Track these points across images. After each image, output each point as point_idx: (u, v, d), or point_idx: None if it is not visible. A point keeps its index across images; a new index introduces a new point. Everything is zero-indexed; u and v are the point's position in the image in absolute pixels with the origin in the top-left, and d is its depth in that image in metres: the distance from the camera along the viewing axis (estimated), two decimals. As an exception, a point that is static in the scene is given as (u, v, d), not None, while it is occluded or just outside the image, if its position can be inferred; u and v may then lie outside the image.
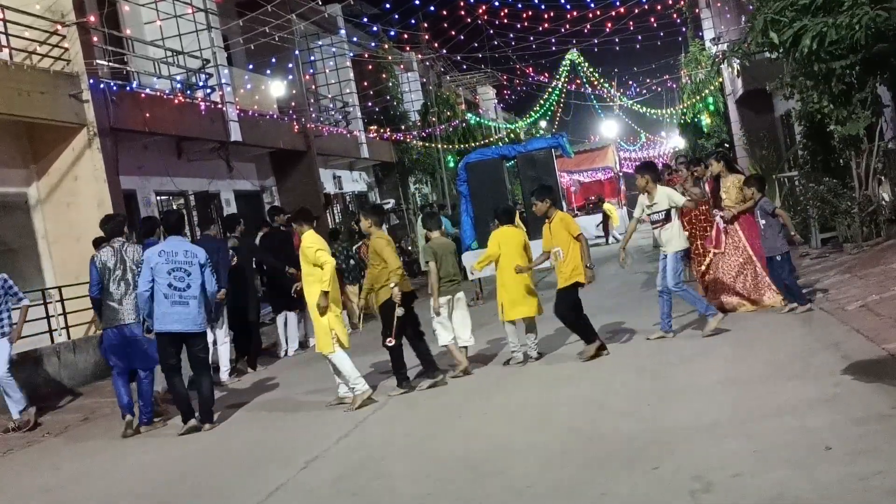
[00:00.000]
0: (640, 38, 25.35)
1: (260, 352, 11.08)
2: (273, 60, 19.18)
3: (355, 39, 25.38)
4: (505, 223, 8.46)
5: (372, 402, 7.40)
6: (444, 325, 8.07)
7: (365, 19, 23.36)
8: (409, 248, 16.56)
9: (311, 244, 7.55)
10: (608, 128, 45.94)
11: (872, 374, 5.54)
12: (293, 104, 20.46)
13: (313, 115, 21.39)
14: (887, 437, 4.37)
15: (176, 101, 14.38)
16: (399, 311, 7.61)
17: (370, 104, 25.48)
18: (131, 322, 7.70)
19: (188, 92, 15.28)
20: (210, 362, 8.13)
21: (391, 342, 7.66)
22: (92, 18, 12.47)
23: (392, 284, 7.62)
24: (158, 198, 15.31)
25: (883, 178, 12.19)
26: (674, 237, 8.17)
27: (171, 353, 7.43)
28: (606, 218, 28.20)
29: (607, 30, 22.87)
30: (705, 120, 24.62)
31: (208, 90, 15.67)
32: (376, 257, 7.82)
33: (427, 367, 7.91)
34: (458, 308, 8.19)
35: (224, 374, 9.90)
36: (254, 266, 11.30)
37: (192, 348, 7.52)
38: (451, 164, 27.95)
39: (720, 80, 22.49)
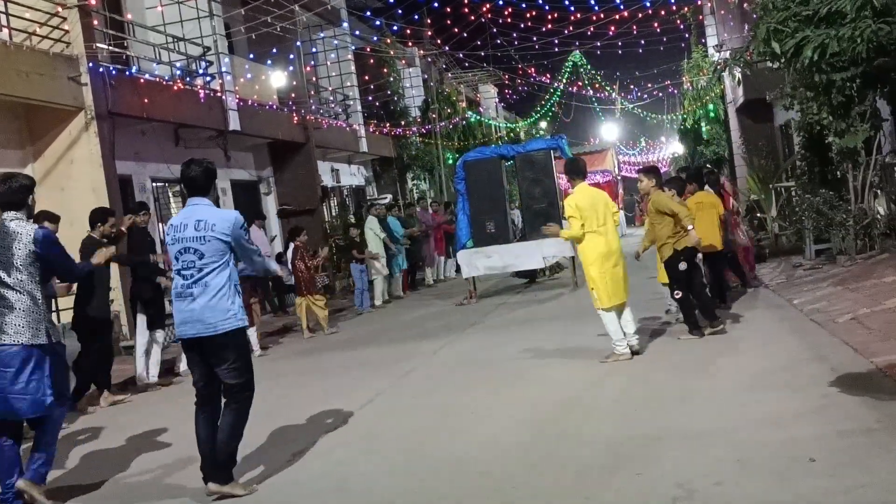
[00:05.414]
0: (643, 42, 25.35)
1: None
2: (274, 50, 19.09)
3: (357, 32, 25.28)
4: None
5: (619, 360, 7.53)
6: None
7: (368, 13, 23.29)
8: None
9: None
10: (608, 131, 45.89)
11: (860, 387, 5.56)
12: (293, 95, 20.37)
13: (313, 107, 21.30)
14: (872, 450, 4.38)
15: (175, 88, 14.31)
16: (682, 265, 7.88)
17: (371, 98, 25.41)
18: None
19: (188, 79, 15.22)
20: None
21: (678, 294, 8.00)
22: (93, 1, 12.38)
23: (690, 227, 7.84)
24: (154, 184, 15.25)
25: (879, 191, 12.22)
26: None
27: None
28: None
29: (611, 33, 22.84)
30: (705, 127, 24.61)
31: (208, 78, 15.60)
32: (657, 216, 8.08)
33: (708, 316, 8.10)
34: None
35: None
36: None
37: None
38: (451, 161, 27.90)
39: (721, 87, 22.51)
